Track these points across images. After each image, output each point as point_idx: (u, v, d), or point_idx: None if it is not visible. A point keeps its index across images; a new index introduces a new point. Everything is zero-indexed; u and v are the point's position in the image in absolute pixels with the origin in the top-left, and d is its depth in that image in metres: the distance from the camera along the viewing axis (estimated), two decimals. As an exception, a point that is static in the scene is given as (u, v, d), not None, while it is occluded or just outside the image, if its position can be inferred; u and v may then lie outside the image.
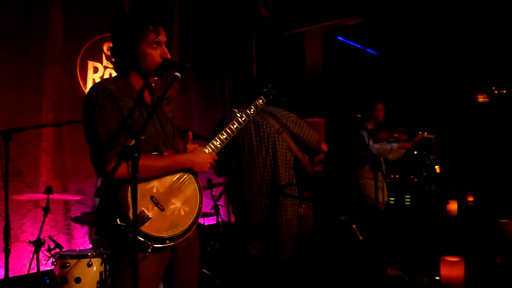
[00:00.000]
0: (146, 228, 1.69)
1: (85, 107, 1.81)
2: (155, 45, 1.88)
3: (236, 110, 2.20)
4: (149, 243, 1.69)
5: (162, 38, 1.92)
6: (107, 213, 1.74)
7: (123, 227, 1.66)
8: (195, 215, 1.84)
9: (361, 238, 4.65)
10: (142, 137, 1.59)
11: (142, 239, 1.68)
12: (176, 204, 1.81)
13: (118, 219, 1.67)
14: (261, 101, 2.36)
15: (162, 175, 1.81)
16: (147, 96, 1.97)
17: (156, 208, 1.74)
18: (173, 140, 1.99)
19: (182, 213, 1.81)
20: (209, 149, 2.00)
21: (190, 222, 1.82)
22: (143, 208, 1.71)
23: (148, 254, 1.69)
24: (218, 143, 2.03)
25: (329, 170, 3.37)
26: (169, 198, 1.80)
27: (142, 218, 1.69)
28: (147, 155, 1.77)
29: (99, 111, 1.77)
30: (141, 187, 1.70)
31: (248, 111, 2.21)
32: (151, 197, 1.75)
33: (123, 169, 1.56)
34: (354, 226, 4.57)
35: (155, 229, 1.71)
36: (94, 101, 1.78)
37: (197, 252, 2.08)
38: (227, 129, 2.09)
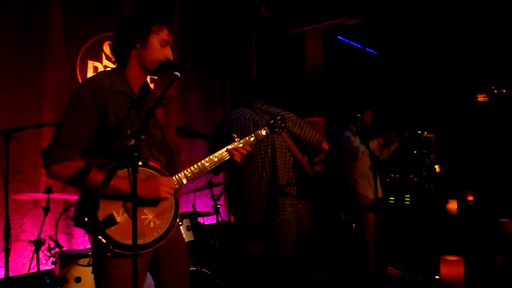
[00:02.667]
0: (111, 231, 1.71)
1: (69, 98, 1.83)
2: (163, 43, 1.91)
3: (235, 135, 2.08)
4: (111, 246, 1.70)
5: (170, 41, 1.95)
6: (79, 210, 1.77)
7: (89, 225, 1.70)
8: (165, 229, 1.83)
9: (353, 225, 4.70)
10: (142, 137, 1.60)
11: (104, 241, 1.70)
12: (147, 215, 1.80)
13: (86, 217, 1.70)
14: (264, 132, 2.17)
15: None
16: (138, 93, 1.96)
17: (126, 215, 1.75)
18: (160, 144, 1.96)
19: (152, 225, 1.81)
20: (183, 174, 1.90)
21: (158, 236, 1.81)
22: (113, 212, 1.73)
23: (109, 255, 1.71)
24: (195, 169, 1.93)
25: (329, 170, 3.38)
26: (142, 208, 1.79)
27: (109, 221, 1.71)
28: (99, 171, 1.73)
29: (75, 107, 1.78)
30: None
31: (248, 139, 2.10)
32: (124, 204, 1.76)
33: (65, 172, 1.71)
34: (354, 225, 4.61)
35: (120, 235, 1.71)
36: (77, 96, 1.79)
37: (183, 249, 2.08)
38: (215, 155, 2.00)
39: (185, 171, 1.92)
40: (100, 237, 1.70)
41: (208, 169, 1.97)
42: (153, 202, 1.81)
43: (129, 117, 1.84)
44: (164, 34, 1.91)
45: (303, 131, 2.82)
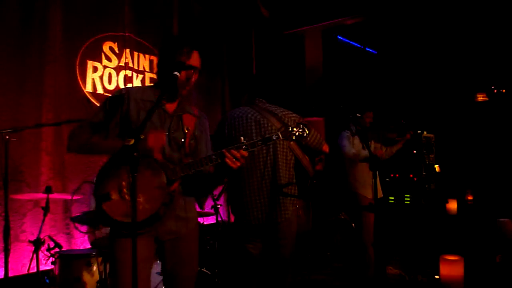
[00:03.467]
0: (105, 206, 1.94)
1: None
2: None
3: (242, 138, 2.01)
4: (105, 220, 1.94)
5: (194, 62, 2.09)
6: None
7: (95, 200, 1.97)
8: (148, 215, 1.94)
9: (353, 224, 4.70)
10: (142, 137, 1.65)
11: (101, 214, 1.94)
12: (141, 198, 1.95)
13: (94, 192, 1.97)
14: (275, 137, 2.05)
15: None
16: (172, 106, 2.13)
17: (119, 195, 1.95)
18: (178, 149, 2.10)
19: (140, 207, 1.94)
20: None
21: (144, 218, 1.93)
22: (111, 190, 1.95)
23: (101, 227, 2.05)
24: (193, 163, 2.00)
25: (329, 169, 3.38)
26: (137, 191, 1.90)
27: (106, 197, 1.94)
28: (99, 138, 2.06)
29: (102, 104, 2.11)
30: (115, 173, 1.96)
31: (256, 143, 2.02)
32: (120, 185, 1.95)
33: (78, 140, 2.05)
34: (353, 225, 4.60)
35: (112, 211, 1.94)
36: (107, 97, 2.12)
37: (192, 249, 2.18)
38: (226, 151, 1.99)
39: (182, 167, 2.00)
40: (98, 210, 1.94)
41: (206, 165, 1.99)
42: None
43: (150, 119, 1.96)
44: (184, 58, 2.06)
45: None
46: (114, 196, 1.94)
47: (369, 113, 4.34)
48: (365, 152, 4.08)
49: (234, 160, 1.96)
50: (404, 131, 4.50)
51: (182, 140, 2.11)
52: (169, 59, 2.08)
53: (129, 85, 4.68)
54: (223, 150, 1.97)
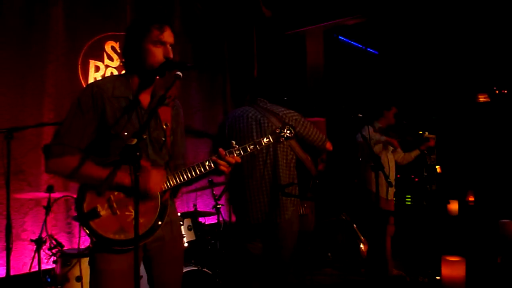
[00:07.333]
0: (94, 223, 1.79)
1: (72, 100, 1.92)
2: (158, 44, 1.89)
3: (233, 142, 2.01)
4: (93, 238, 1.80)
5: (168, 38, 1.91)
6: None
7: (77, 216, 1.81)
8: (148, 227, 1.85)
9: (362, 238, 4.73)
10: (144, 137, 1.61)
11: (88, 232, 1.80)
12: (131, 212, 1.83)
13: (75, 208, 1.81)
14: (266, 140, 2.06)
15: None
16: (145, 97, 1.97)
17: (109, 210, 1.82)
18: (160, 148, 1.96)
19: (134, 222, 1.80)
20: (176, 179, 1.91)
21: (140, 234, 1.80)
22: (98, 205, 1.81)
23: (92, 247, 1.82)
24: (185, 174, 1.92)
25: (330, 169, 3.37)
26: (127, 205, 1.84)
27: (93, 214, 1.79)
28: (92, 163, 1.82)
29: (76, 108, 1.86)
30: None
31: (247, 147, 2.01)
32: (108, 199, 1.82)
33: (60, 168, 1.81)
34: (355, 226, 4.59)
35: (102, 228, 1.79)
36: (79, 97, 1.88)
37: (177, 251, 2.08)
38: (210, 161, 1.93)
39: (175, 175, 1.92)
40: (84, 227, 1.79)
41: (199, 173, 1.93)
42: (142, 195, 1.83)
43: (129, 120, 1.87)
44: (156, 34, 1.88)
45: (306, 130, 2.80)
46: (103, 211, 1.80)
47: (394, 108, 4.39)
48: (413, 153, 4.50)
49: (228, 166, 1.94)
50: (422, 139, 4.58)
51: (163, 138, 1.98)
52: (140, 36, 1.87)
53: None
54: (215, 158, 1.93)
